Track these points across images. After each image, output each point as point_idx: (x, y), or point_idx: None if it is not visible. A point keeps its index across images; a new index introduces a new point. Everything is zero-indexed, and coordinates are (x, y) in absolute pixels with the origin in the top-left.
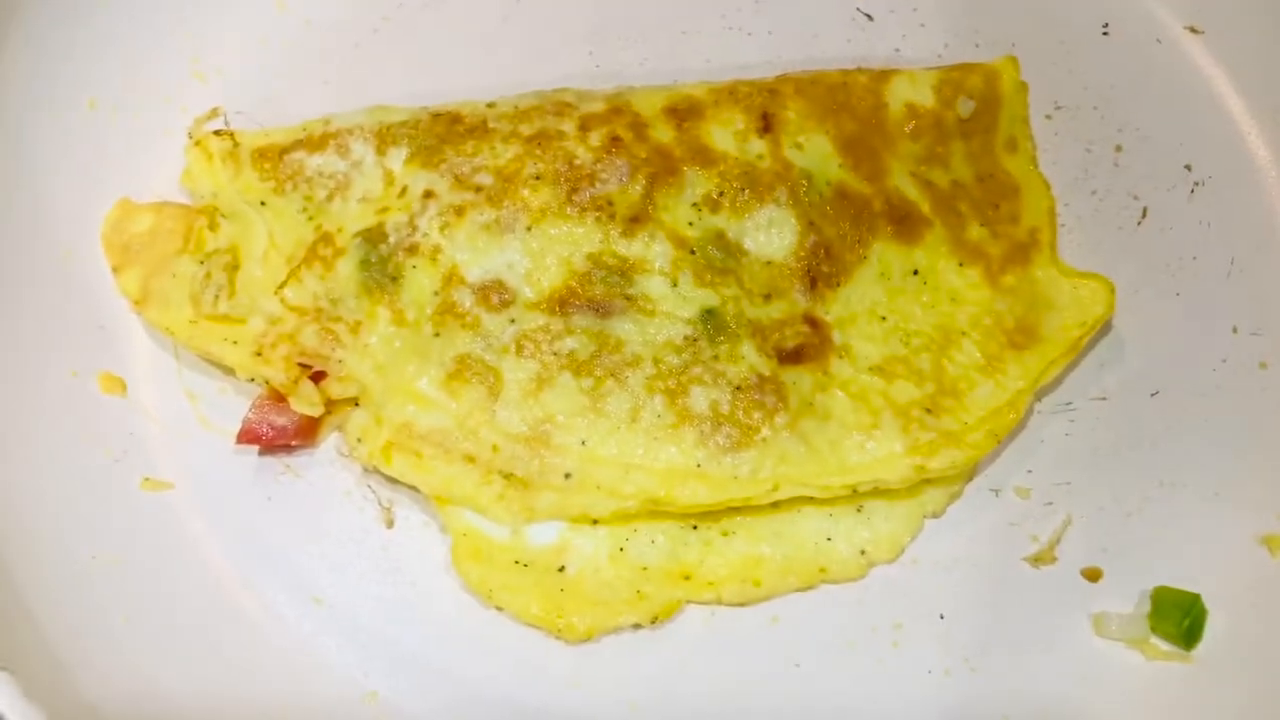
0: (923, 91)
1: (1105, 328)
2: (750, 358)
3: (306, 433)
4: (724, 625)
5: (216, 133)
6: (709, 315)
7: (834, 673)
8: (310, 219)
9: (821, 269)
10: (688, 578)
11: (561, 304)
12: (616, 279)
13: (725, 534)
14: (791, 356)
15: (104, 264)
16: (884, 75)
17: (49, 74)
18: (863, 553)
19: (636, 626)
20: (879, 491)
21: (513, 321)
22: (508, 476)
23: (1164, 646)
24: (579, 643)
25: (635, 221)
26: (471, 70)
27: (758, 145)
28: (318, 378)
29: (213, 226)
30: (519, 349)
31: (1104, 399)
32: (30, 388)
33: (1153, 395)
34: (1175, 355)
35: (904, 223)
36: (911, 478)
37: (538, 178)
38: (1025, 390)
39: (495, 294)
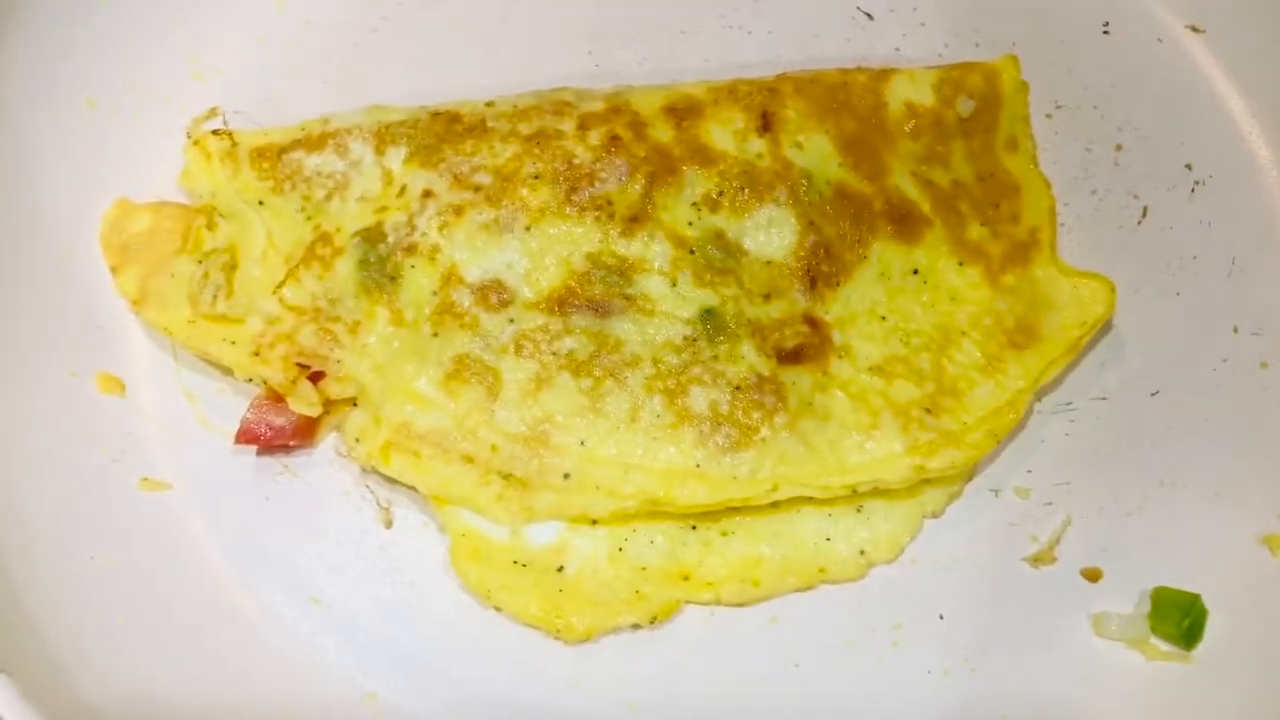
0: (923, 91)
1: (1105, 327)
2: (750, 358)
3: (305, 433)
4: (723, 625)
5: (215, 132)
6: (708, 315)
7: (833, 673)
8: (309, 219)
9: (821, 268)
10: (687, 578)
11: (560, 304)
12: (615, 279)
13: (724, 534)
14: (791, 356)
15: (102, 264)
16: (884, 74)
17: (48, 73)
18: (862, 553)
19: (635, 627)
20: (878, 491)
21: (511, 321)
22: (506, 476)
23: (1164, 647)
24: (578, 643)
25: (634, 221)
26: (471, 70)
27: (757, 144)
28: (316, 378)
29: (211, 226)
30: (518, 349)
31: (1104, 399)
32: (28, 388)
33: (1153, 395)
34: (1175, 355)
35: (904, 222)
36: (911, 478)
37: (537, 177)
38: (1025, 390)
39: (494, 294)
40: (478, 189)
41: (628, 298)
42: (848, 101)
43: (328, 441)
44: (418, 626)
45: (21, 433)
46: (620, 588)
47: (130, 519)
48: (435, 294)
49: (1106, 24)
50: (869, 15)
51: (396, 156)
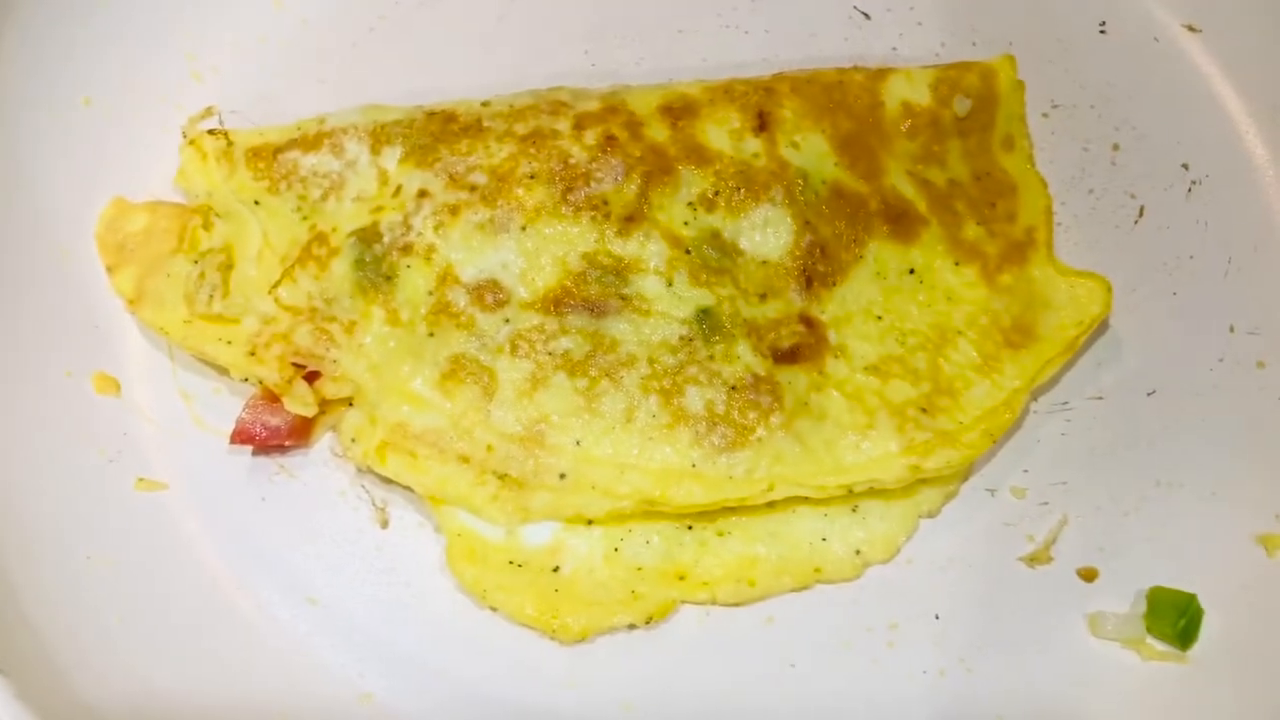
0: (919, 90)
1: (1102, 327)
2: (745, 357)
3: (300, 433)
4: (719, 625)
5: (211, 132)
6: (704, 315)
7: (829, 673)
8: (304, 218)
9: (817, 268)
10: (682, 578)
11: (556, 304)
12: (611, 279)
13: (720, 534)
14: (787, 356)
15: (99, 263)
16: (880, 74)
17: (44, 72)
18: (858, 553)
19: (631, 627)
20: (874, 491)
21: (507, 321)
22: (502, 477)
23: (1160, 647)
24: (574, 643)
25: (630, 221)
26: (467, 69)
27: (753, 144)
28: (312, 378)
29: (207, 226)
30: (514, 349)
31: (1101, 398)
32: (25, 388)
33: (1149, 394)
34: (1172, 354)
35: (900, 222)
36: (907, 478)
37: (532, 177)
38: (1021, 390)
39: (490, 294)
40: (473, 189)
41: (623, 298)
42: (844, 101)
43: (323, 441)
44: (414, 626)
45: (18, 433)
46: (616, 588)
47: (127, 519)
48: (431, 294)
49: (1103, 23)
50: (866, 15)
51: (392, 156)
